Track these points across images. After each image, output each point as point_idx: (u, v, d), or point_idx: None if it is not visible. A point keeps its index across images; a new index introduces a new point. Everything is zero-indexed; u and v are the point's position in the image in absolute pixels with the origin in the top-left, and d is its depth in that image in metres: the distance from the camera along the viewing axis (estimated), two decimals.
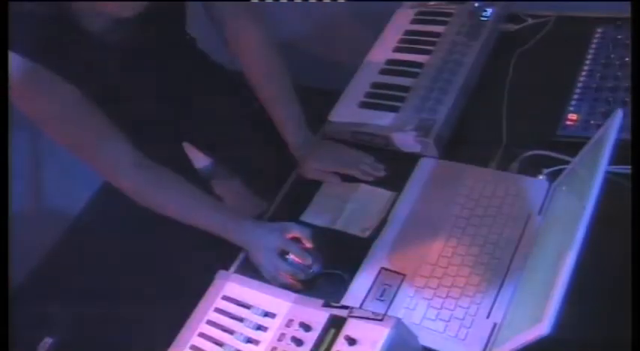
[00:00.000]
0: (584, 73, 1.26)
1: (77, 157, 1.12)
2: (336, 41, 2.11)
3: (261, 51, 1.28)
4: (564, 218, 0.92)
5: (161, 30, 1.17)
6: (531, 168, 1.15)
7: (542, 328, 0.70)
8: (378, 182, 1.24)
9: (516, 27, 1.44)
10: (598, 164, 0.83)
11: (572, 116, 1.19)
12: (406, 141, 1.24)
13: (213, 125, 1.43)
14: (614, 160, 0.86)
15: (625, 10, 1.32)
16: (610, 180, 0.93)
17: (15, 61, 0.96)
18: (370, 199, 1.21)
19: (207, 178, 1.81)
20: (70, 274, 2.11)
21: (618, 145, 0.85)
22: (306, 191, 1.28)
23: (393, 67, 1.40)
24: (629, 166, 1.05)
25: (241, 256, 1.21)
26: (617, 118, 0.87)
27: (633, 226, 0.83)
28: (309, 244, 1.14)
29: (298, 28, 2.10)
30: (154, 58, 1.19)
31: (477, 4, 1.45)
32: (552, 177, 1.12)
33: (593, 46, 1.30)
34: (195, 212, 1.19)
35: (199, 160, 1.63)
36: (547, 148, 1.16)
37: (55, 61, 1.00)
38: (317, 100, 1.37)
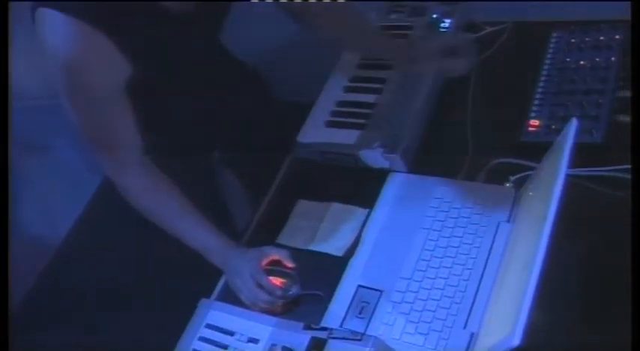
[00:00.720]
0: (542, 79, 1.28)
1: (88, 144, 1.13)
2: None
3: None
4: (531, 223, 0.94)
5: (209, 28, 1.21)
6: (498, 176, 1.17)
7: (513, 340, 0.71)
8: (349, 200, 1.25)
9: (475, 36, 1.46)
10: (559, 168, 0.85)
11: (534, 122, 1.21)
12: (374, 158, 1.25)
13: (238, 127, 1.44)
14: (575, 163, 0.89)
15: (578, 14, 1.36)
16: (572, 183, 0.96)
17: (79, 28, 0.96)
18: (343, 217, 1.23)
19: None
20: (54, 305, 2.11)
21: (577, 149, 0.87)
22: (281, 214, 1.29)
23: (356, 85, 1.42)
24: (590, 168, 1.09)
25: (221, 282, 1.22)
26: (573, 126, 0.89)
27: (633, 226, 0.86)
28: (290, 264, 1.15)
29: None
30: (201, 52, 1.22)
31: (435, 16, 1.47)
32: (519, 183, 1.14)
33: (550, 50, 1.33)
34: (182, 224, 1.20)
35: None
36: (512, 155, 1.18)
37: (118, 31, 1.00)
38: None
